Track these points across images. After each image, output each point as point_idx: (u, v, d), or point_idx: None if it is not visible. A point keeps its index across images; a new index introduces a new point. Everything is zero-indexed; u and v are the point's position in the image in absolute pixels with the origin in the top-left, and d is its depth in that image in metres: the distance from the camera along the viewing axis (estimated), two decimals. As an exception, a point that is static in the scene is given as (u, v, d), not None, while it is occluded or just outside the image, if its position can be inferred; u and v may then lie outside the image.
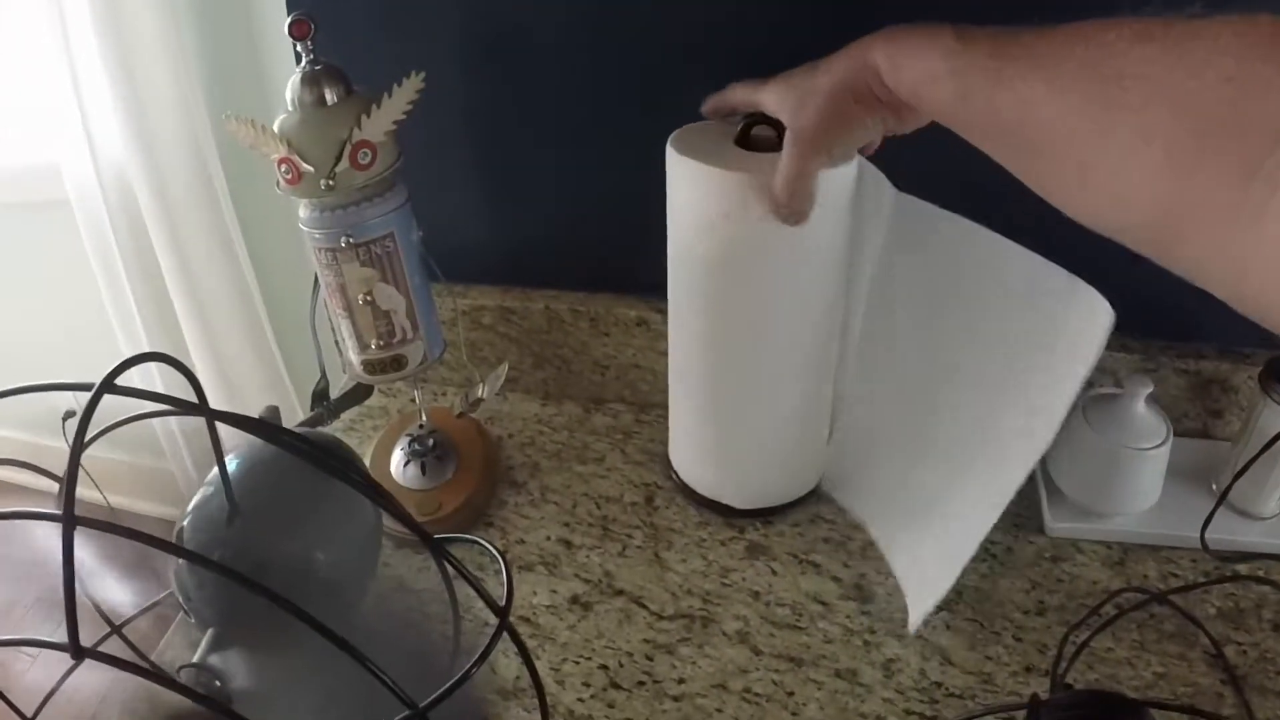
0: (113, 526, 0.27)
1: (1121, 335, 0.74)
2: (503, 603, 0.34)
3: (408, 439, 0.72)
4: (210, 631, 0.37)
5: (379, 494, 0.32)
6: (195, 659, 0.36)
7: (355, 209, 0.59)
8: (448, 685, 0.30)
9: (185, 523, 0.39)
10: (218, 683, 0.35)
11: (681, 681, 0.58)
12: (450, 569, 0.33)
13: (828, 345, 0.65)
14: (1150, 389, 0.67)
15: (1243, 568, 0.68)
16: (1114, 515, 0.69)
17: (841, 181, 0.57)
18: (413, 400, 0.80)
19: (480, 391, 0.70)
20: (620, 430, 0.77)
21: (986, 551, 0.67)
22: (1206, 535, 0.67)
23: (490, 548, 0.48)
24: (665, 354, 0.68)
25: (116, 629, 0.45)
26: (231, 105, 0.84)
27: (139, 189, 1.13)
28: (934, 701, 0.57)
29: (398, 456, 0.71)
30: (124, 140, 1.09)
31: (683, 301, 0.64)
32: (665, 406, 0.71)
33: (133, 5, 0.98)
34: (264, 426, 0.32)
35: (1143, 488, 0.68)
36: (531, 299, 0.78)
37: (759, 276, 0.59)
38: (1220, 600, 0.64)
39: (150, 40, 1.00)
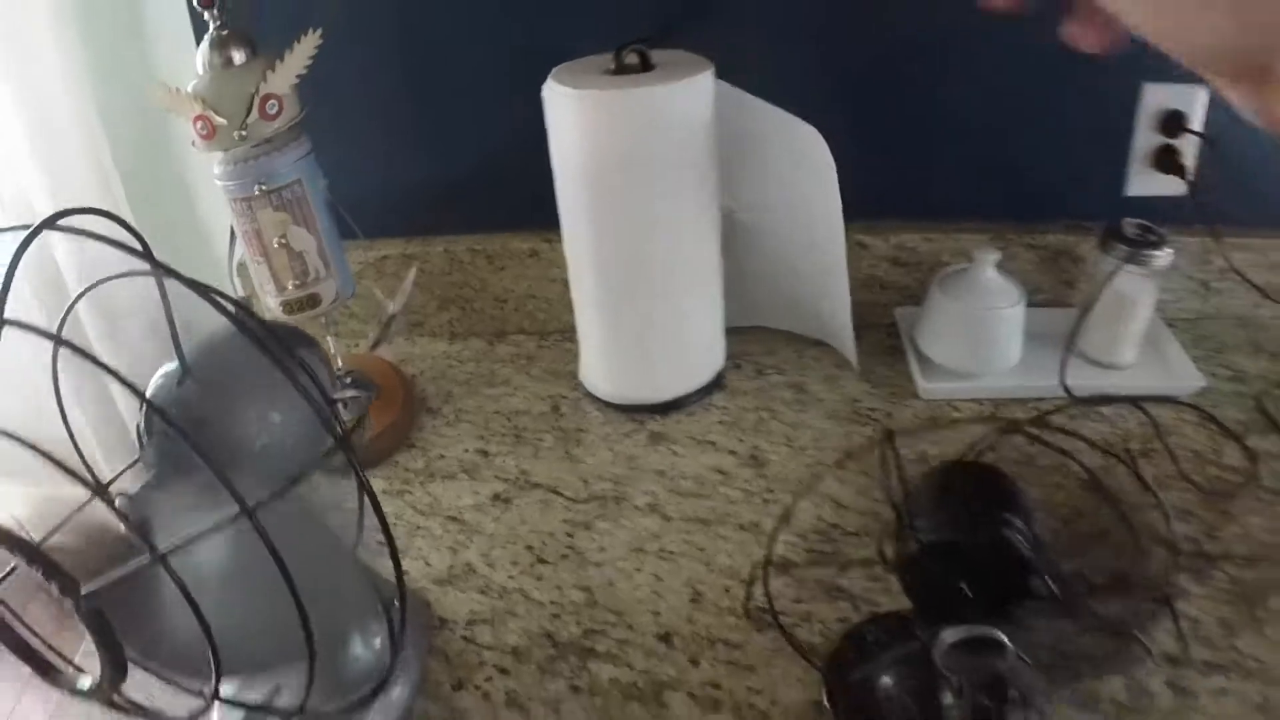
0: (93, 358, 0.33)
1: (974, 219, 0.85)
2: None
3: (325, 380, 0.78)
4: (152, 472, 0.43)
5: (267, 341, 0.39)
6: (131, 492, 0.42)
7: (266, 159, 0.67)
8: (281, 485, 0.37)
9: (154, 380, 0.45)
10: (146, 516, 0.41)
11: (602, 550, 0.65)
12: (305, 383, 0.39)
13: (706, 246, 0.74)
14: (997, 256, 0.77)
15: (1106, 410, 0.79)
16: (981, 375, 0.79)
17: (702, 93, 0.67)
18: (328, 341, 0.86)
19: (391, 308, 0.77)
20: (524, 356, 0.85)
21: (868, 417, 0.76)
22: (1071, 384, 0.78)
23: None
24: (558, 281, 0.77)
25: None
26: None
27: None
28: (832, 540, 0.65)
29: (316, 398, 0.77)
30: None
31: (573, 223, 0.72)
32: (563, 331, 0.79)
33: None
34: (205, 287, 0.38)
35: (1003, 346, 0.78)
36: (431, 244, 0.85)
37: (636, 188, 0.68)
38: (1090, 434, 0.75)
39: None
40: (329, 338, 0.77)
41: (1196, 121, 0.82)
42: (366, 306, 0.86)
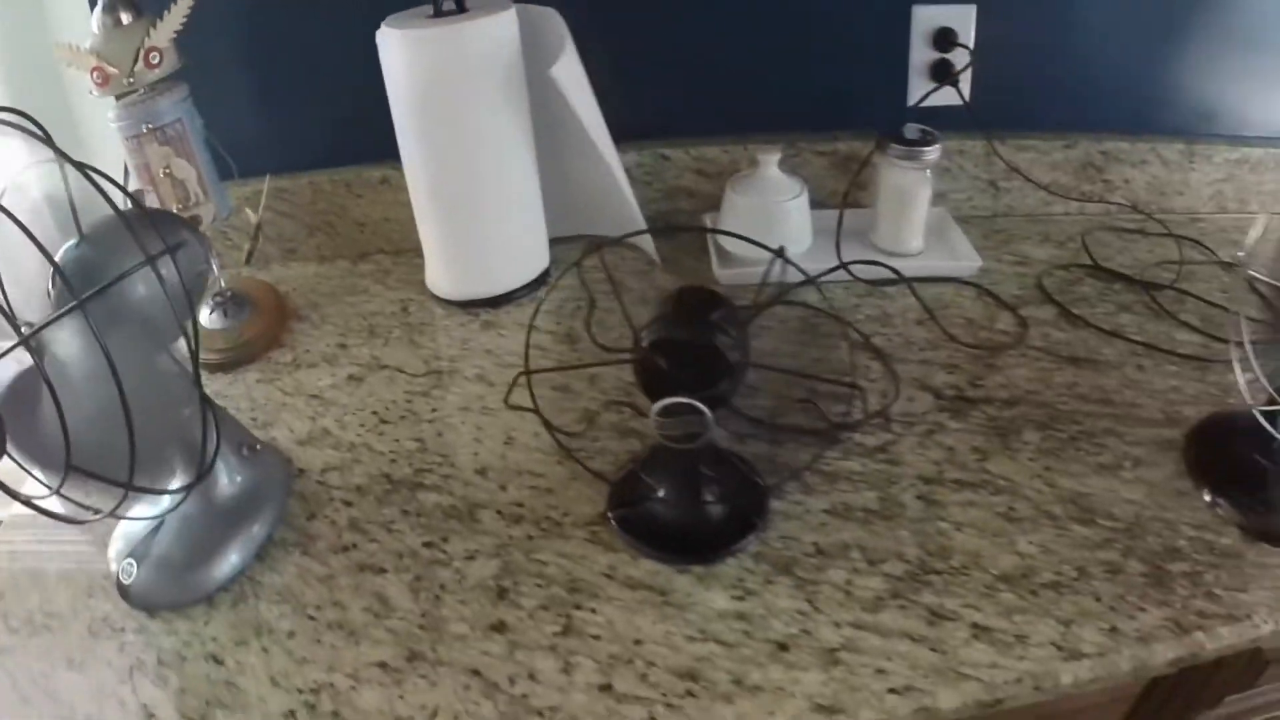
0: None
1: (766, 131, 0.98)
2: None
3: (211, 296, 0.90)
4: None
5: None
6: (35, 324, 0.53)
7: (151, 102, 0.80)
8: (111, 281, 0.49)
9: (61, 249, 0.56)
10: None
11: (434, 410, 0.78)
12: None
13: (522, 160, 0.87)
14: (777, 156, 0.91)
15: (891, 290, 0.91)
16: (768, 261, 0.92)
17: (506, 26, 0.80)
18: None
19: (254, 218, 0.89)
20: (381, 271, 0.99)
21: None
22: (858, 270, 0.90)
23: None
24: (407, 205, 0.89)
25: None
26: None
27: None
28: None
29: (204, 310, 0.90)
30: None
31: (409, 149, 0.86)
32: (415, 249, 0.92)
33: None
34: (91, 169, 0.50)
35: (788, 234, 0.91)
36: (298, 178, 0.98)
37: (456, 113, 0.82)
38: (870, 309, 0.88)
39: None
40: (212, 260, 0.90)
41: (966, 36, 0.95)
42: (243, 236, 0.99)
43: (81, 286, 0.51)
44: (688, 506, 0.68)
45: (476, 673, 0.59)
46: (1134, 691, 0.72)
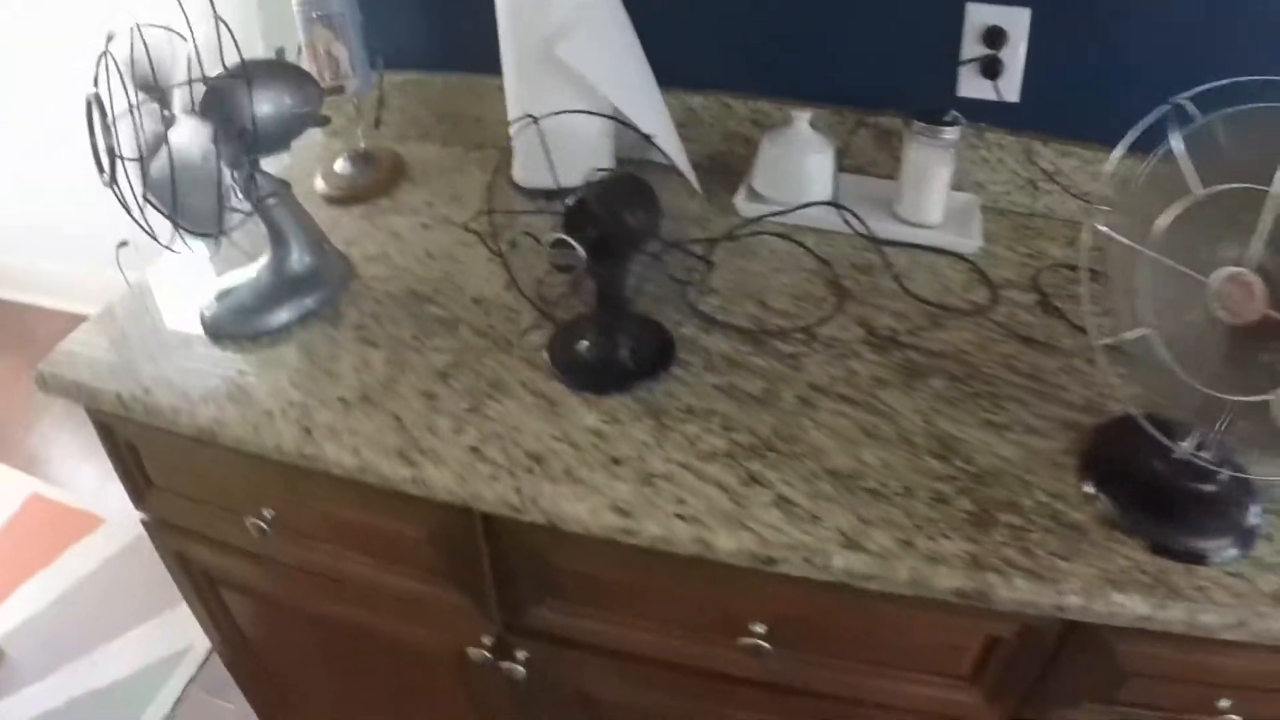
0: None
1: (824, 102, 1.09)
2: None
3: (348, 151, 1.18)
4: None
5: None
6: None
7: None
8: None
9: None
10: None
11: (467, 256, 0.99)
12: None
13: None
14: (809, 115, 1.03)
15: (890, 250, 1.01)
16: (788, 202, 1.04)
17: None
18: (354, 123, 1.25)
19: (380, 93, 1.15)
20: (486, 159, 1.21)
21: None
22: (877, 231, 1.01)
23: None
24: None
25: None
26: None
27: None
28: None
29: (340, 162, 1.17)
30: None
31: (506, 59, 1.07)
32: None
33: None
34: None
35: (807, 183, 1.03)
36: (434, 76, 1.23)
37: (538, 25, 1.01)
38: (860, 260, 0.99)
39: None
40: (358, 128, 1.18)
41: (1017, 37, 1.01)
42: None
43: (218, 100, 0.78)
44: (603, 351, 0.84)
45: (397, 417, 0.80)
46: (973, 648, 0.78)
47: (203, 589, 1.09)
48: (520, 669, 0.90)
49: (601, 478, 0.74)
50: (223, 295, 0.93)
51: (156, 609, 1.64)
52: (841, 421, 0.80)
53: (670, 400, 0.82)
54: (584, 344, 0.85)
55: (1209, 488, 0.72)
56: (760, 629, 0.79)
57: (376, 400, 0.82)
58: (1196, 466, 0.69)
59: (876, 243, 1.02)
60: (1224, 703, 0.74)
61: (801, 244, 1.03)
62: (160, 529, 1.03)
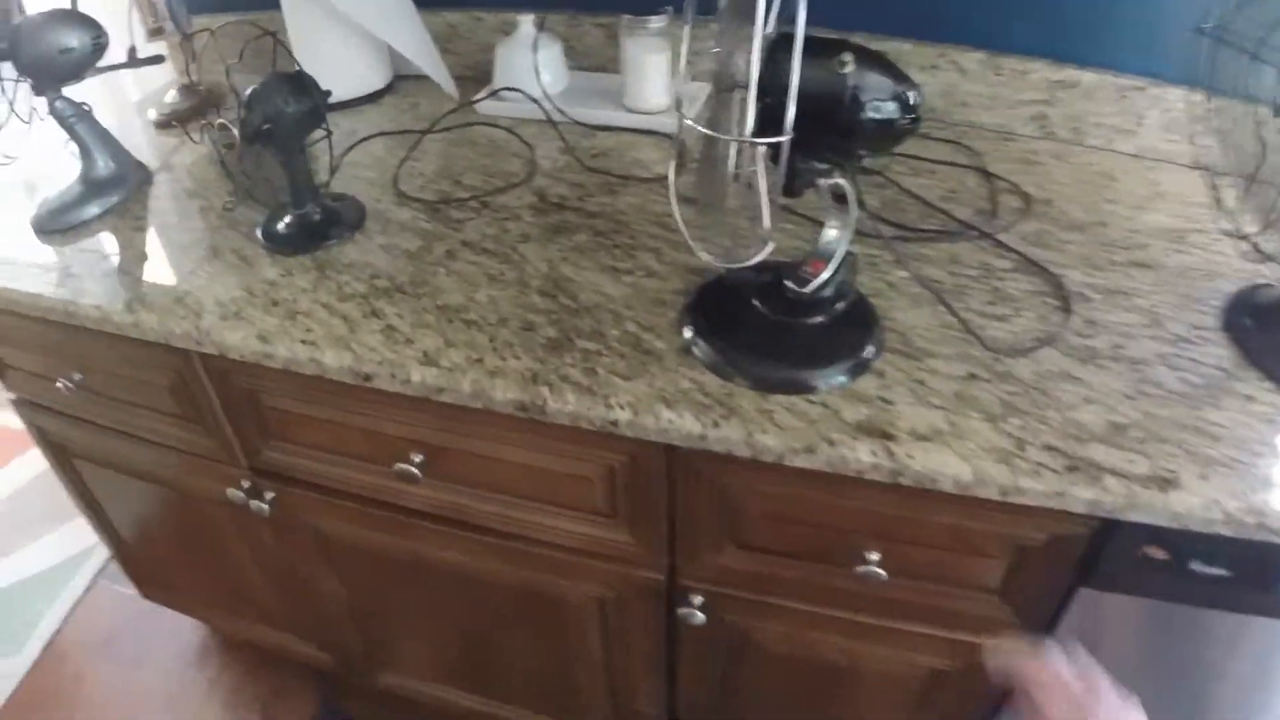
0: None
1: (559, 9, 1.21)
2: None
3: (176, 85, 1.37)
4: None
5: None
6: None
7: None
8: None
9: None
10: None
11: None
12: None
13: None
14: (533, 18, 1.14)
15: (605, 134, 1.11)
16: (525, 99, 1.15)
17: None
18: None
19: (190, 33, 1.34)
20: None
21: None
22: (600, 121, 1.13)
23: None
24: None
25: None
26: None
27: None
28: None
29: (170, 94, 1.37)
30: None
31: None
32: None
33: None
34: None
35: (538, 77, 1.14)
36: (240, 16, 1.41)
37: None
38: (566, 150, 1.10)
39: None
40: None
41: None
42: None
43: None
44: (299, 221, 1.00)
45: (142, 279, 0.97)
46: (596, 479, 0.89)
47: (62, 463, 1.31)
48: (265, 507, 1.07)
49: (259, 315, 0.90)
50: (43, 201, 1.14)
51: (71, 514, 1.86)
52: (471, 269, 0.93)
53: (339, 257, 0.97)
54: (286, 217, 1.00)
55: (817, 320, 0.80)
56: (417, 458, 0.93)
57: (132, 270, 0.99)
58: (800, 303, 0.79)
59: (592, 129, 1.13)
60: (872, 555, 0.82)
61: (511, 130, 1.15)
62: (22, 407, 1.25)
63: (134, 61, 1.37)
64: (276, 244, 0.99)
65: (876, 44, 1.06)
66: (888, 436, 0.72)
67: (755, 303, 0.82)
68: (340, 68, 1.24)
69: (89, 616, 1.73)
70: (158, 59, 1.38)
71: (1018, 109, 1.10)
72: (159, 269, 0.98)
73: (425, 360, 0.83)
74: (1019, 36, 1.07)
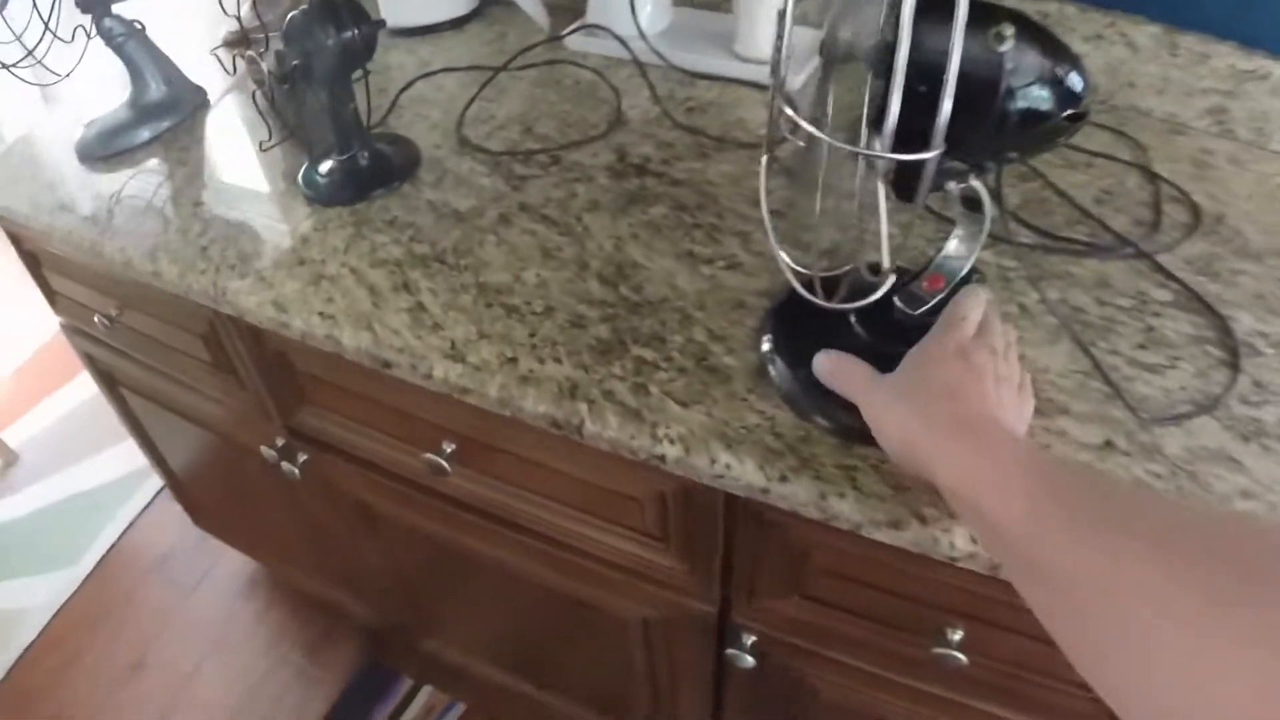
0: None
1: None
2: None
3: None
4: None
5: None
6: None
7: None
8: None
9: None
10: None
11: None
12: None
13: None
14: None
15: (708, 83, 0.96)
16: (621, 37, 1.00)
17: None
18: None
19: None
20: None
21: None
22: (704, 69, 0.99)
23: None
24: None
25: None
26: None
27: None
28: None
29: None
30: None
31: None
32: None
33: None
34: None
35: (638, 12, 0.99)
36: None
37: None
38: (658, 99, 0.95)
39: None
40: None
41: None
42: None
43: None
44: (343, 167, 0.88)
45: (170, 222, 0.88)
46: (645, 502, 0.77)
47: (112, 388, 1.26)
48: (296, 471, 0.99)
49: (282, 276, 0.80)
50: (90, 124, 1.06)
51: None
52: (525, 240, 0.80)
53: (382, 213, 0.85)
54: (329, 163, 0.89)
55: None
56: (449, 448, 0.82)
57: (164, 209, 0.90)
58: (908, 327, 0.62)
59: (692, 76, 0.97)
60: (954, 635, 0.68)
61: (598, 73, 1.00)
62: (70, 333, 1.20)
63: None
64: (315, 193, 0.88)
65: (1032, 5, 0.87)
66: (996, 519, 0.57)
67: (852, 320, 0.66)
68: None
69: (146, 534, 1.73)
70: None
71: (1193, 98, 0.88)
72: (191, 211, 0.89)
73: (452, 353, 0.71)
74: (1206, 10, 0.84)
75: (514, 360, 0.70)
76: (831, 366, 0.60)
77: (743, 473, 0.61)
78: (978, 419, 0.50)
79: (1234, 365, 0.66)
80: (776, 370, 0.66)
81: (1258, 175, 0.84)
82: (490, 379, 0.68)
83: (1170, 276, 0.73)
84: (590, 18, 1.04)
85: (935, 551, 0.58)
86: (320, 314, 0.75)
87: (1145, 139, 0.88)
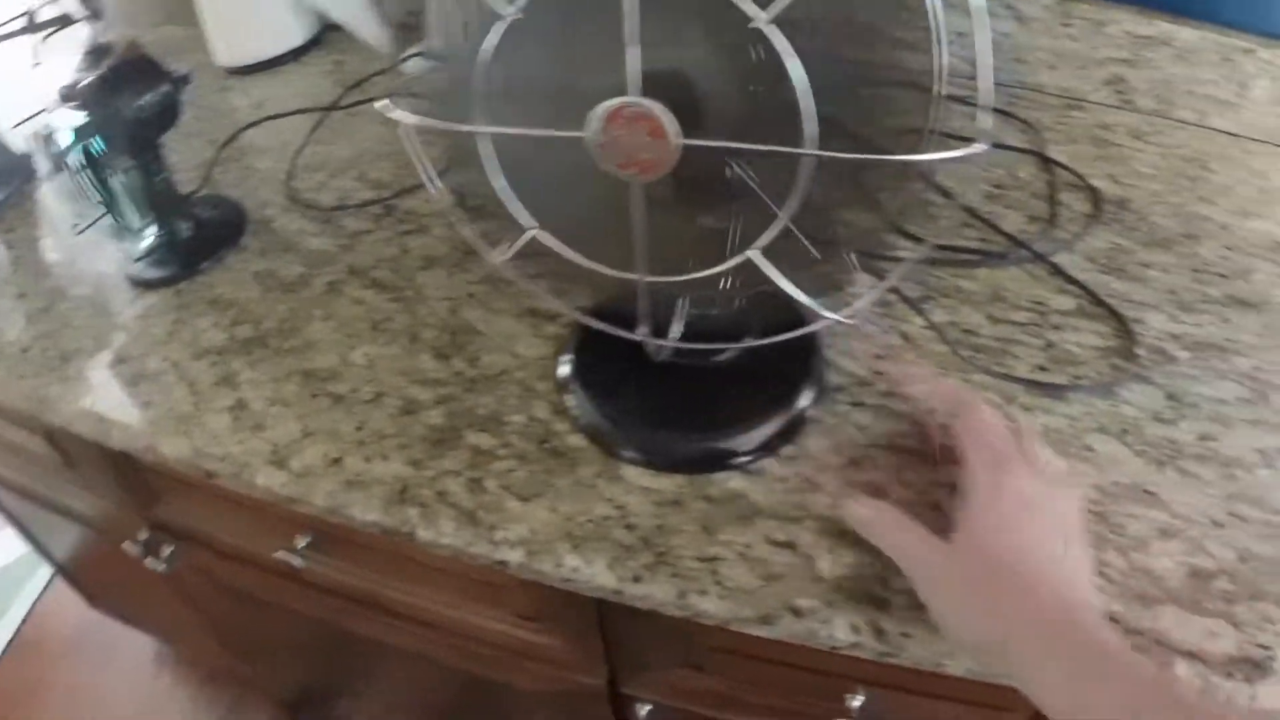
0: None
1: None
2: None
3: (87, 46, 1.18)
4: None
5: None
6: None
7: None
8: None
9: None
10: None
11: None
12: None
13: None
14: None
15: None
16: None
17: None
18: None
19: None
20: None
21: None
22: None
23: None
24: None
25: None
26: None
27: None
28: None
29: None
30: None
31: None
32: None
33: None
34: None
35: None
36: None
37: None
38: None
39: None
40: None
41: None
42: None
43: None
44: (163, 243, 0.81)
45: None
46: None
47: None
48: (162, 565, 0.93)
49: (103, 378, 0.73)
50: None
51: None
52: (355, 311, 0.74)
53: (205, 290, 0.78)
54: (148, 239, 0.82)
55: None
56: (302, 542, 0.77)
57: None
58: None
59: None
60: (855, 701, 0.64)
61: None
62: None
63: (32, 26, 1.17)
64: (137, 275, 0.81)
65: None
66: (878, 604, 0.52)
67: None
68: (247, 19, 1.03)
69: (52, 615, 1.66)
70: (64, 21, 1.18)
71: (1090, 70, 0.84)
72: (13, 304, 0.81)
73: (274, 458, 0.64)
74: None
75: (339, 461, 0.63)
76: (870, 516, 0.52)
77: (592, 574, 0.56)
78: (1067, 625, 0.44)
79: (1145, 378, 0.62)
80: (575, 399, 0.62)
81: (1161, 148, 0.80)
82: (315, 485, 0.63)
83: (1070, 280, 0.69)
84: (429, 41, 0.97)
85: (815, 642, 0.53)
86: (136, 421, 0.69)
87: (1038, 118, 0.83)
